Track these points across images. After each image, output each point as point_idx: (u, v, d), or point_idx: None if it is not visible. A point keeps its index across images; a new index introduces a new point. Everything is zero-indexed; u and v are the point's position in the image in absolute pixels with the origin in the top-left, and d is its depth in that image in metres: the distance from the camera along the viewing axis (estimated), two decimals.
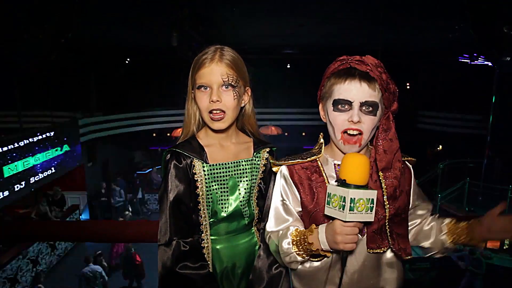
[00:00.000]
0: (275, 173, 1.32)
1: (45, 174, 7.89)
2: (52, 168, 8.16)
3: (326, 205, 1.07)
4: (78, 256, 7.71)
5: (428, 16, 6.58)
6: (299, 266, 1.21)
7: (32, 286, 6.38)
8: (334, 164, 1.23)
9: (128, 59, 12.56)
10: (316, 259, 1.19)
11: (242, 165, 1.36)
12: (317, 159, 1.24)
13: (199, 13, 6.56)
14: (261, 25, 7.79)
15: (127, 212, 9.11)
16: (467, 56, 10.07)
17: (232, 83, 1.26)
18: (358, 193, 0.99)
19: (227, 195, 1.34)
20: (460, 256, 6.18)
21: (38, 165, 7.62)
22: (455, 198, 8.57)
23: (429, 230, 1.27)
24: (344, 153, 1.15)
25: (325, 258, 1.18)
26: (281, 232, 1.20)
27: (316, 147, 1.28)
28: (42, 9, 4.71)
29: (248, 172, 1.37)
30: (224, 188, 1.33)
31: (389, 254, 1.22)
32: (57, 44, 5.10)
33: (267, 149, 1.42)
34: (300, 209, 1.24)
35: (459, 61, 10.52)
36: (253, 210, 1.40)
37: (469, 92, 11.25)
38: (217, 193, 1.32)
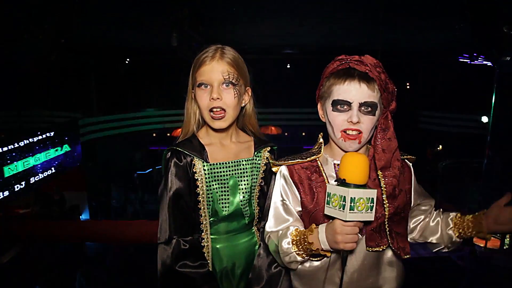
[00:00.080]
0: (274, 173, 1.32)
1: (45, 174, 7.89)
2: (52, 168, 8.16)
3: (326, 204, 1.07)
4: (78, 256, 7.70)
5: (428, 16, 6.58)
6: (299, 266, 1.21)
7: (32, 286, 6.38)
8: (334, 164, 1.23)
9: (128, 59, 12.56)
10: (316, 259, 1.19)
11: (243, 165, 1.36)
12: (317, 159, 1.25)
13: (199, 13, 6.56)
14: (261, 25, 7.78)
15: (127, 213, 9.11)
16: (467, 56, 10.06)
17: (233, 81, 1.26)
18: (358, 193, 0.99)
19: (228, 195, 1.33)
20: (460, 256, 6.18)
21: (38, 165, 7.62)
22: (455, 198, 8.57)
23: (435, 225, 1.27)
24: (344, 152, 1.16)
25: (325, 258, 1.18)
26: (280, 232, 1.20)
27: (316, 147, 1.28)
28: (42, 9, 4.71)
29: (249, 172, 1.36)
30: (224, 187, 1.33)
31: (388, 253, 1.22)
32: (57, 44, 5.10)
33: (268, 148, 1.42)
34: (300, 209, 1.24)
35: (459, 61, 10.51)
36: (254, 209, 1.40)
37: (469, 92, 11.24)
38: (217, 192, 1.32)
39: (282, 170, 1.27)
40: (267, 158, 1.41)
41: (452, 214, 1.26)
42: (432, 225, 1.28)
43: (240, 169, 1.35)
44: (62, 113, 10.89)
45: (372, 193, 1.02)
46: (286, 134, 12.74)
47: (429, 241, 1.29)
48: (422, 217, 1.31)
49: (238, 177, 1.35)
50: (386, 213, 1.15)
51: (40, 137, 7.71)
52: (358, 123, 1.11)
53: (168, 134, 12.32)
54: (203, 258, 1.32)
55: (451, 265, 6.33)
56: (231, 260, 1.37)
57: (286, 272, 1.33)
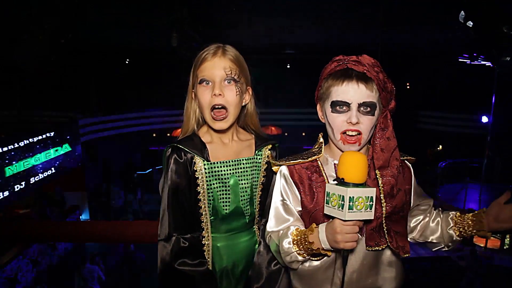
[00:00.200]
0: (275, 172, 1.32)
1: (45, 174, 7.89)
2: (52, 168, 8.16)
3: (325, 204, 1.07)
4: (77, 256, 7.71)
5: (428, 16, 6.58)
6: (299, 266, 1.21)
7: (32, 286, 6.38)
8: (334, 164, 1.23)
9: (128, 59, 12.57)
10: (316, 258, 1.19)
11: (243, 164, 1.35)
12: (317, 159, 1.25)
13: (199, 13, 6.56)
14: (261, 25, 7.79)
15: (128, 213, 9.11)
16: (467, 56, 10.06)
17: (235, 78, 1.25)
18: (356, 192, 0.99)
19: (228, 194, 1.33)
20: (460, 256, 6.18)
21: (38, 165, 7.62)
22: (455, 198, 8.57)
23: (436, 225, 1.28)
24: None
25: (325, 258, 1.18)
26: (281, 232, 1.20)
27: (316, 147, 1.28)
28: (42, 9, 4.71)
29: (249, 171, 1.36)
30: (225, 186, 1.33)
31: (387, 253, 1.22)
32: (57, 44, 5.10)
33: (269, 146, 1.41)
34: (301, 209, 1.24)
35: (459, 61, 10.51)
36: (255, 208, 1.39)
37: (469, 92, 11.24)
38: (218, 191, 1.32)
39: (282, 170, 1.27)
40: (268, 156, 1.40)
41: (452, 213, 1.27)
42: (432, 225, 1.29)
43: (241, 168, 1.35)
44: (62, 113, 10.89)
45: (371, 191, 1.02)
46: (286, 134, 12.75)
47: (429, 240, 1.29)
48: (422, 217, 1.31)
49: (238, 176, 1.34)
50: (383, 212, 1.15)
51: (40, 137, 7.70)
52: (358, 123, 1.12)
53: (168, 134, 12.32)
54: (202, 256, 1.32)
55: (451, 265, 6.33)
56: (231, 258, 1.37)
57: (285, 270, 1.33)
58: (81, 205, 10.03)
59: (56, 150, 8.31)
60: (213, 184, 1.31)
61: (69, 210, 9.26)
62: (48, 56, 5.24)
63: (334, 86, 1.14)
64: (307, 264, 1.21)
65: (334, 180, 1.12)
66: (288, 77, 13.47)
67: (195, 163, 1.29)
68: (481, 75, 9.62)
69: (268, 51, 11.50)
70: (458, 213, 1.25)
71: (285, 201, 1.24)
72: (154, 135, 13.52)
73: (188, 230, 1.30)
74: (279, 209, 1.24)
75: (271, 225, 1.25)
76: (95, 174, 11.49)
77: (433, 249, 1.32)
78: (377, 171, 1.15)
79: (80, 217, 9.63)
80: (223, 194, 1.33)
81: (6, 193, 6.64)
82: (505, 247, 6.75)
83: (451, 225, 1.24)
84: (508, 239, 6.45)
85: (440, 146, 13.62)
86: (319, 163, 1.24)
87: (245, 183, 1.35)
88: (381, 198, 1.15)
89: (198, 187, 1.30)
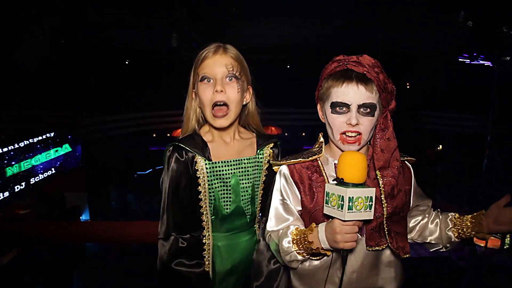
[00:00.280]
0: (275, 172, 1.32)
1: (45, 174, 7.89)
2: (52, 169, 8.16)
3: (325, 204, 1.06)
4: (77, 256, 7.70)
5: (428, 16, 6.58)
6: (299, 265, 1.21)
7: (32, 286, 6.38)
8: (335, 163, 1.23)
9: (128, 60, 12.57)
10: (316, 258, 1.19)
11: (245, 163, 1.35)
12: (318, 158, 1.25)
13: (199, 13, 6.56)
14: (261, 25, 7.79)
15: (127, 213, 9.11)
16: (467, 56, 10.06)
17: (237, 75, 1.26)
18: (356, 192, 0.99)
19: (229, 193, 1.33)
20: (460, 256, 6.17)
21: (39, 166, 7.62)
22: (455, 198, 8.56)
23: (435, 226, 1.28)
24: None
25: (325, 257, 1.18)
26: (281, 231, 1.20)
27: (316, 146, 1.28)
28: (42, 9, 4.71)
29: (251, 171, 1.36)
30: (226, 186, 1.32)
31: (387, 253, 1.22)
32: (57, 44, 5.10)
33: (271, 145, 1.41)
34: (301, 208, 1.24)
35: (459, 61, 10.50)
36: (256, 208, 1.39)
37: (469, 92, 11.24)
38: (219, 191, 1.32)
39: (282, 170, 1.27)
40: (270, 155, 1.40)
41: (451, 215, 1.27)
42: (431, 226, 1.29)
43: (242, 167, 1.34)
44: (62, 113, 10.88)
45: (371, 191, 1.01)
46: (286, 134, 12.74)
47: (427, 241, 1.29)
48: (420, 217, 1.31)
49: (240, 176, 1.34)
50: (384, 212, 1.15)
51: (40, 138, 7.70)
52: (357, 124, 1.11)
53: (168, 135, 12.31)
54: (200, 257, 1.31)
55: (451, 265, 6.33)
56: (232, 258, 1.37)
57: (285, 268, 1.33)
58: (81, 206, 10.03)
59: (56, 151, 8.32)
60: (214, 183, 1.31)
61: (69, 211, 9.26)
62: (48, 56, 5.25)
63: (334, 87, 1.14)
64: (306, 263, 1.21)
65: (333, 180, 1.12)
66: (288, 77, 13.47)
67: (196, 162, 1.29)
68: (481, 75, 9.62)
69: (268, 51, 11.49)
70: (457, 215, 1.25)
71: (285, 201, 1.24)
72: (154, 135, 13.52)
73: (188, 230, 1.30)
74: (279, 208, 1.24)
75: (271, 225, 1.25)
76: (95, 174, 11.48)
77: (431, 250, 1.33)
78: (377, 172, 1.15)
79: (80, 217, 9.63)
80: (224, 194, 1.32)
81: (6, 194, 6.64)
82: (505, 247, 6.75)
83: (450, 226, 1.24)
84: (508, 238, 6.45)
85: (440, 146, 13.62)
86: (320, 162, 1.24)
87: (246, 183, 1.35)
88: (382, 198, 1.15)
89: (199, 187, 1.30)
